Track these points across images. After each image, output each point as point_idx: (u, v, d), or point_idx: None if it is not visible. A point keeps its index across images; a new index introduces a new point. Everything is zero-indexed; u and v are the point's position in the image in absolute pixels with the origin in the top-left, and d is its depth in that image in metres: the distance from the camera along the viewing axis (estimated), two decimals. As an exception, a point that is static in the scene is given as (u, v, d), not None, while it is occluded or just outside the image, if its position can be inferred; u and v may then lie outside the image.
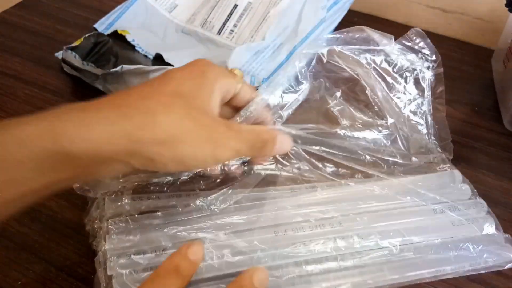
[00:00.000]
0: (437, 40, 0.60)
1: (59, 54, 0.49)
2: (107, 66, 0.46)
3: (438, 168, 0.39)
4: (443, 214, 0.35)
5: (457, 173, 0.39)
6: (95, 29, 0.53)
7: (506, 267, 0.34)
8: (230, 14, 0.53)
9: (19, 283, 0.32)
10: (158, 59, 0.48)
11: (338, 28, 0.60)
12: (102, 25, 0.53)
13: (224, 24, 0.52)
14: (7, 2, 0.61)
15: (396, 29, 0.62)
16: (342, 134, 0.39)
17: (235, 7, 0.53)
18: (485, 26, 0.60)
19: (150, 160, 0.26)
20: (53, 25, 0.57)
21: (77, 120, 0.25)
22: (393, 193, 0.36)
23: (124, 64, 0.44)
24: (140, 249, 0.30)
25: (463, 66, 0.56)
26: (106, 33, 0.51)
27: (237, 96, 0.33)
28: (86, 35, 0.49)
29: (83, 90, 0.48)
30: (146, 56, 0.49)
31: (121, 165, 0.27)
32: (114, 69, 0.43)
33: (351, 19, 0.63)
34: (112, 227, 0.31)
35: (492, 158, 0.44)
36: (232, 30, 0.52)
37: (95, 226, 0.32)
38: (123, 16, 0.53)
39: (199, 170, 0.34)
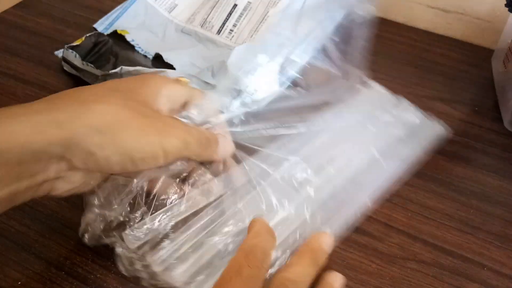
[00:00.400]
0: (437, 40, 0.60)
1: (59, 53, 0.49)
2: (106, 66, 0.46)
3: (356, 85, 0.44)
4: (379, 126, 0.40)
5: (374, 84, 0.45)
6: (95, 29, 0.53)
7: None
8: (230, 14, 0.53)
9: (19, 283, 0.32)
10: (158, 59, 0.48)
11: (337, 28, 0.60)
12: (102, 25, 0.54)
13: (223, 24, 0.52)
14: (7, 2, 0.61)
15: (396, 29, 0.62)
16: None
17: (235, 7, 0.53)
18: (485, 26, 0.60)
19: (90, 155, 0.24)
20: (53, 25, 0.57)
21: (3, 115, 0.24)
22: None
23: (124, 64, 0.44)
24: None
25: (463, 66, 0.56)
26: (105, 33, 0.51)
27: (189, 105, 0.32)
28: (87, 35, 0.49)
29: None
30: (145, 56, 0.49)
31: (61, 164, 0.25)
32: (114, 70, 0.44)
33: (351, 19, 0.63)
34: None
35: (492, 158, 0.44)
36: (231, 30, 0.52)
37: None
38: (123, 16, 0.53)
39: (150, 170, 0.29)
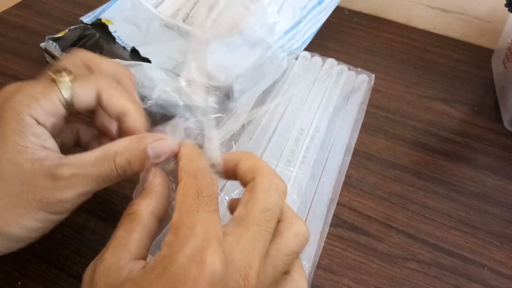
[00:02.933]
0: (437, 40, 0.60)
1: (43, 45, 0.49)
2: None
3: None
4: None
5: (305, 53, 0.51)
6: (82, 22, 0.53)
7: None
8: (211, 9, 0.53)
9: (19, 283, 0.32)
10: (135, 52, 0.48)
11: (336, 27, 0.60)
12: (88, 18, 0.54)
13: (204, 19, 0.52)
14: (7, 2, 0.61)
15: (396, 29, 0.62)
16: None
17: (217, 3, 0.53)
18: (485, 26, 0.60)
19: None
20: (53, 25, 0.57)
21: None
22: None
23: (107, 57, 0.44)
24: None
25: (463, 66, 0.56)
26: (90, 23, 0.51)
27: (76, 103, 0.27)
28: (72, 27, 0.49)
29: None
30: (124, 48, 0.49)
31: None
32: None
33: (351, 19, 0.63)
34: None
35: (492, 158, 0.44)
36: (211, 25, 0.52)
37: None
38: (109, 9, 0.53)
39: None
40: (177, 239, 0.21)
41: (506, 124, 0.48)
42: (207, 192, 0.23)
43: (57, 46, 0.46)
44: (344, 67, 0.51)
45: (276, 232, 0.24)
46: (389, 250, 0.36)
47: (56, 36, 0.48)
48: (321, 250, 0.35)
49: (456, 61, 0.57)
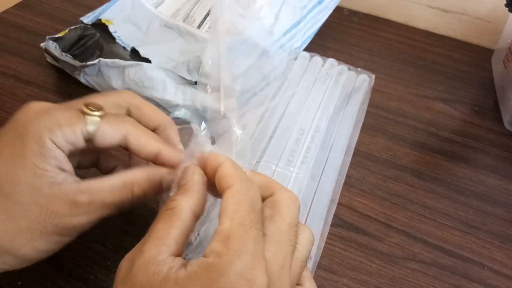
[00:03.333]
0: (437, 40, 0.60)
1: (43, 45, 0.50)
2: (91, 59, 0.46)
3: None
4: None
5: (304, 53, 0.51)
6: (82, 22, 0.53)
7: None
8: (211, 9, 0.53)
9: (19, 283, 0.32)
10: (135, 52, 0.48)
11: (336, 27, 0.60)
12: (88, 19, 0.54)
13: (204, 19, 0.52)
14: (7, 2, 0.61)
15: (396, 29, 0.62)
16: None
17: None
18: (485, 26, 0.60)
19: None
20: (53, 25, 0.57)
21: None
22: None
23: (107, 57, 0.44)
24: None
25: (463, 66, 0.56)
26: (90, 23, 0.51)
27: (97, 139, 0.27)
28: (72, 27, 0.49)
29: (83, 90, 0.48)
30: (124, 48, 0.49)
31: None
32: (91, 62, 0.44)
33: (351, 19, 0.63)
34: None
35: (492, 158, 0.44)
36: (211, 25, 0.52)
37: None
38: (110, 9, 0.53)
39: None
40: (227, 250, 0.22)
41: (506, 124, 0.48)
42: (258, 208, 0.24)
43: (57, 46, 0.46)
44: (344, 67, 0.51)
45: None
46: (389, 250, 0.36)
47: (56, 36, 0.48)
48: (321, 251, 0.35)
49: (456, 61, 0.57)
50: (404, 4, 0.63)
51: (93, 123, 0.27)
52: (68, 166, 0.27)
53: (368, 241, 0.36)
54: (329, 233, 0.37)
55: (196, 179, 0.26)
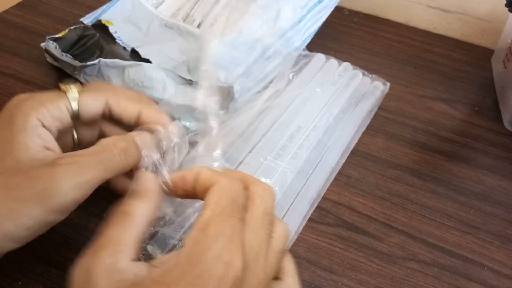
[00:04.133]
0: (437, 40, 0.60)
1: (43, 45, 0.50)
2: (91, 59, 0.46)
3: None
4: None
5: (321, 55, 0.51)
6: (82, 23, 0.53)
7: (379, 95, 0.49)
8: (212, 8, 0.53)
9: (19, 283, 0.32)
10: (136, 52, 0.48)
11: (336, 27, 0.60)
12: (88, 19, 0.54)
13: (204, 18, 0.53)
14: (7, 2, 0.60)
15: (396, 29, 0.62)
16: None
17: (217, 2, 0.53)
18: (485, 26, 0.60)
19: None
20: (53, 25, 0.57)
21: None
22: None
23: (107, 58, 0.44)
24: None
25: (463, 66, 0.56)
26: (90, 25, 0.51)
27: (81, 112, 0.29)
28: (72, 27, 0.49)
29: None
30: (124, 48, 0.49)
31: None
32: (91, 62, 0.44)
33: (351, 19, 0.63)
34: None
35: (492, 158, 0.44)
36: (212, 24, 0.52)
37: None
38: (110, 10, 0.54)
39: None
40: (205, 237, 0.22)
41: (506, 124, 0.48)
42: (240, 202, 0.24)
43: (57, 46, 0.46)
44: (358, 72, 0.50)
45: None
46: (389, 250, 0.36)
47: (56, 36, 0.48)
48: (294, 241, 0.36)
49: (456, 61, 0.57)
50: (404, 4, 0.63)
51: (74, 97, 0.29)
52: (54, 145, 0.27)
53: (368, 241, 0.36)
54: (329, 233, 0.37)
55: (151, 187, 0.26)
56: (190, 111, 0.42)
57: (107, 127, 0.32)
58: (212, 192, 0.24)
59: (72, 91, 0.29)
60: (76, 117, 0.29)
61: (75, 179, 0.25)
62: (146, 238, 0.31)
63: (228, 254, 0.21)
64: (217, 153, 0.34)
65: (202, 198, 0.25)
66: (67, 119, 0.29)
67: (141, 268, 0.22)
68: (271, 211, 0.25)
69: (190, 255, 0.21)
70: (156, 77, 0.44)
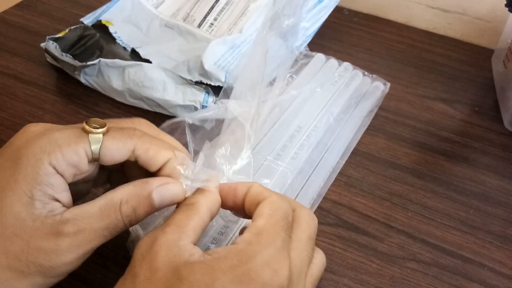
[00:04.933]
0: (437, 40, 0.60)
1: (43, 45, 0.50)
2: (91, 59, 0.47)
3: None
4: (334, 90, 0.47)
5: (321, 55, 0.51)
6: (82, 23, 0.53)
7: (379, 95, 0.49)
8: (212, 8, 0.53)
9: (19, 283, 0.32)
10: (136, 52, 0.48)
11: (336, 27, 0.61)
12: (88, 19, 0.54)
13: (205, 18, 0.53)
14: (7, 2, 0.61)
15: (396, 29, 0.62)
16: None
17: (217, 1, 0.53)
18: (485, 26, 0.60)
19: None
20: (53, 25, 0.57)
21: None
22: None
23: (108, 58, 0.44)
24: None
25: (463, 66, 0.56)
26: (90, 25, 0.51)
27: (102, 158, 0.25)
28: (72, 27, 0.49)
29: (83, 91, 0.48)
30: (125, 48, 0.49)
31: None
32: (91, 62, 0.44)
33: (351, 19, 0.63)
34: None
35: (492, 158, 0.44)
36: (212, 24, 0.52)
37: None
38: (110, 10, 0.54)
39: None
40: (258, 241, 0.23)
41: (506, 124, 0.48)
42: (290, 219, 0.26)
43: (57, 46, 0.46)
44: (359, 72, 0.50)
45: None
46: (389, 250, 0.36)
47: (56, 36, 0.48)
48: None
49: (456, 61, 0.57)
50: (404, 4, 0.63)
51: (96, 140, 0.24)
52: (65, 196, 0.24)
53: (368, 241, 0.36)
54: (329, 233, 0.37)
55: (212, 185, 0.27)
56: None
57: (127, 168, 0.29)
58: (266, 205, 0.25)
59: (96, 132, 0.25)
60: (95, 160, 0.25)
61: (80, 250, 0.24)
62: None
63: (277, 262, 0.23)
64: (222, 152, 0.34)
65: (248, 212, 0.27)
66: (85, 164, 0.25)
67: (197, 251, 0.23)
68: (314, 237, 0.27)
69: (241, 252, 0.23)
70: (156, 77, 0.44)
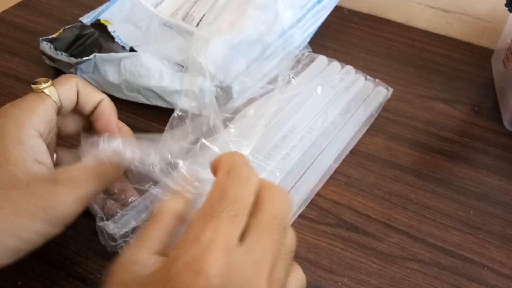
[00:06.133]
0: (437, 40, 0.60)
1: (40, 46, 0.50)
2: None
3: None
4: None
5: (323, 57, 0.51)
6: (81, 22, 0.53)
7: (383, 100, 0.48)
8: (211, 7, 0.53)
9: (19, 283, 0.32)
10: (134, 51, 0.48)
11: (336, 27, 0.60)
12: (88, 19, 0.54)
13: (204, 17, 0.53)
14: (7, 2, 0.61)
15: (396, 29, 0.62)
16: None
17: (217, 1, 0.53)
18: (485, 26, 0.60)
19: None
20: (53, 25, 0.57)
21: None
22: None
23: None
24: None
25: (463, 66, 0.56)
26: (89, 24, 0.51)
27: (64, 104, 0.29)
28: (66, 27, 0.49)
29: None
30: (123, 47, 0.49)
31: None
32: (87, 58, 0.44)
33: (351, 19, 0.63)
34: None
35: (492, 158, 0.44)
36: (210, 23, 0.52)
37: None
38: (109, 9, 0.54)
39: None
40: (183, 243, 0.21)
41: (506, 124, 0.48)
42: (233, 194, 0.22)
43: (52, 47, 0.46)
44: (360, 76, 0.49)
45: None
46: (389, 250, 0.36)
47: (51, 37, 0.48)
48: None
49: (456, 61, 0.57)
50: (404, 4, 0.63)
51: (52, 92, 0.28)
52: (46, 158, 0.27)
53: (368, 241, 0.36)
54: (329, 233, 0.37)
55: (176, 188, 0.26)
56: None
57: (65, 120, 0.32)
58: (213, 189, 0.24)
59: (45, 85, 0.28)
60: (59, 111, 0.29)
61: (76, 194, 0.26)
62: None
63: (198, 262, 0.20)
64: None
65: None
66: (54, 117, 0.28)
67: (156, 260, 0.22)
68: (282, 215, 0.23)
69: (167, 262, 0.21)
70: (153, 65, 0.44)
